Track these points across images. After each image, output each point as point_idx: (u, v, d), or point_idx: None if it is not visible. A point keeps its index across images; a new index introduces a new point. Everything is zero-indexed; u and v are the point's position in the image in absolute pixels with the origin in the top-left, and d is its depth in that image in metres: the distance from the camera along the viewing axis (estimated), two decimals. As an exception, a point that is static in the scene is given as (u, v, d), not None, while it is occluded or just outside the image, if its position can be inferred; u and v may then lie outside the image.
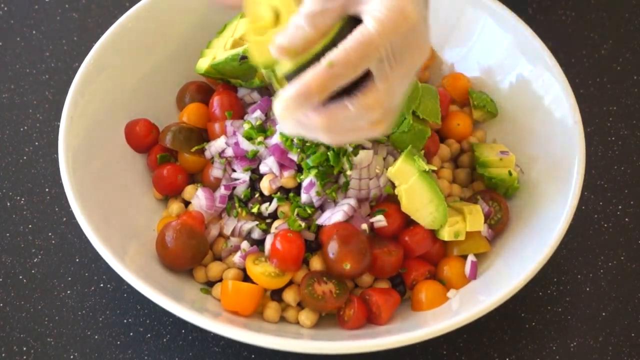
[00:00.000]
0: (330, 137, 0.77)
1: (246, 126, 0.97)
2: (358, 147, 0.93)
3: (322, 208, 0.94)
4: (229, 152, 0.97)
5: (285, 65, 0.77)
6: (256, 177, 0.96)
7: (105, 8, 1.18)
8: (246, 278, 0.93)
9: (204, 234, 0.94)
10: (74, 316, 0.95)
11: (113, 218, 0.93)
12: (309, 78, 0.74)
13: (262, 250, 0.94)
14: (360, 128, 0.77)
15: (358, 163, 0.93)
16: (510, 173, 0.98)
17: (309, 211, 0.93)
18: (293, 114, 0.75)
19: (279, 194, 0.95)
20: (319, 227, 0.93)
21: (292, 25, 0.75)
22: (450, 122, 1.03)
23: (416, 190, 0.91)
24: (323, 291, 0.90)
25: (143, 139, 1.01)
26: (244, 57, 0.97)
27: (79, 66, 0.98)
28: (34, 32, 1.16)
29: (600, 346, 0.94)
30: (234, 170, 0.98)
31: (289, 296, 0.92)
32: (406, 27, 0.75)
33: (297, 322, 0.92)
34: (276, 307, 0.92)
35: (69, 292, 0.97)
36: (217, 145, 0.98)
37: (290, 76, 0.77)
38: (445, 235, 0.93)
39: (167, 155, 1.00)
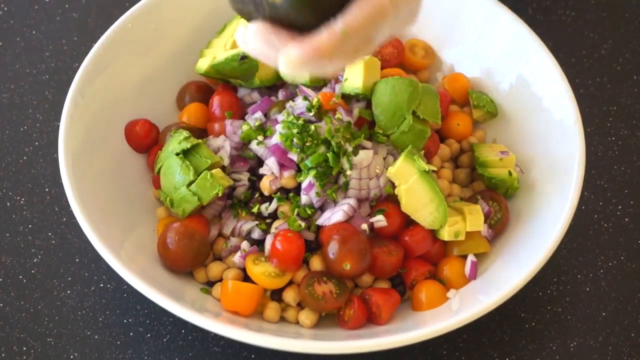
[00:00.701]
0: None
1: (245, 128, 0.97)
2: (358, 147, 0.93)
3: (322, 208, 0.94)
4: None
5: None
6: (254, 179, 0.96)
7: (105, 8, 1.18)
8: (246, 278, 0.93)
9: (206, 236, 0.94)
10: (74, 316, 0.95)
11: (113, 218, 0.93)
12: (323, 43, 0.70)
13: (262, 250, 0.94)
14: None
15: (358, 163, 0.93)
16: (510, 173, 0.98)
17: (309, 212, 0.93)
18: (296, 71, 0.72)
19: (279, 194, 0.95)
20: (319, 227, 0.93)
21: None
22: (450, 122, 1.03)
23: (416, 190, 0.91)
24: (323, 291, 0.90)
25: (143, 139, 1.01)
26: (244, 57, 0.97)
27: (79, 66, 0.98)
28: (34, 32, 1.16)
29: (600, 346, 0.94)
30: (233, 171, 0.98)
31: (289, 296, 0.92)
32: None
33: (297, 322, 0.92)
34: (276, 307, 0.92)
35: (69, 292, 0.97)
36: (216, 145, 0.98)
37: (287, 2, 0.70)
38: (445, 235, 0.93)
39: (167, 155, 1.00)
